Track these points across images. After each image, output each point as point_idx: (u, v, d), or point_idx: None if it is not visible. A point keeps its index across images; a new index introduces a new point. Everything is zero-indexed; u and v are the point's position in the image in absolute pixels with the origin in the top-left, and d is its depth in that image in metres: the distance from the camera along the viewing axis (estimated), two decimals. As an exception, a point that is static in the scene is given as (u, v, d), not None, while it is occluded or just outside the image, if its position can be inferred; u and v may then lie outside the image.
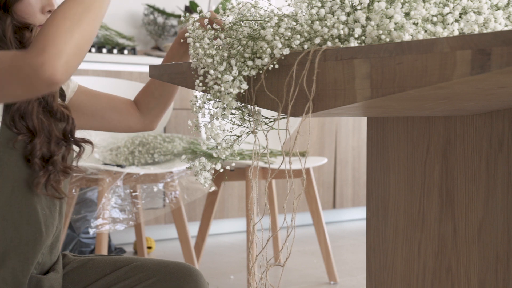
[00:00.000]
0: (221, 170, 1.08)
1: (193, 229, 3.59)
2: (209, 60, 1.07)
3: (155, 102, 1.52)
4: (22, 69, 1.01)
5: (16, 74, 1.02)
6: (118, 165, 2.66)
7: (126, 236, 3.74)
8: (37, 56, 0.99)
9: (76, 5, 1.04)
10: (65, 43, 1.00)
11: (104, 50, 3.71)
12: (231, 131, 1.15)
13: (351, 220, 4.54)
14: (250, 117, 1.13)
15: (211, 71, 1.07)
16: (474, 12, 0.97)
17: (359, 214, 4.55)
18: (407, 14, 0.96)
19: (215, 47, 1.10)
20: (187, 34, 1.16)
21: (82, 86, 1.48)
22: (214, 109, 1.10)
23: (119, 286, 1.36)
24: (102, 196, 2.53)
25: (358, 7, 0.98)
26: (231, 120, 1.13)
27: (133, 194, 2.82)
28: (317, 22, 0.99)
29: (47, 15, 1.26)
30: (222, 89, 1.06)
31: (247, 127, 1.14)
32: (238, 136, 1.16)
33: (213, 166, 1.14)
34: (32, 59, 1.00)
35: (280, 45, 1.00)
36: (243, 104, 1.13)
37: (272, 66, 1.02)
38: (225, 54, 1.06)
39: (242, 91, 1.07)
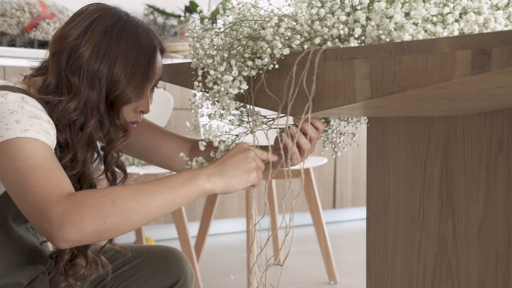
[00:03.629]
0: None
1: (193, 229, 3.58)
2: (209, 61, 1.07)
3: None
4: (42, 214, 0.99)
5: (36, 214, 1.00)
6: (118, 165, 2.66)
7: (126, 236, 3.73)
8: (59, 218, 0.98)
9: (139, 199, 1.01)
10: (91, 226, 0.99)
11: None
12: (229, 132, 1.15)
13: (351, 220, 4.54)
14: (249, 118, 1.13)
15: (211, 72, 1.07)
16: (474, 12, 0.97)
17: (359, 214, 4.55)
18: (407, 14, 0.96)
19: (215, 47, 1.09)
20: (187, 34, 1.16)
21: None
22: (213, 110, 1.10)
23: (104, 270, 1.37)
24: (102, 196, 2.53)
25: (358, 7, 0.97)
26: (230, 121, 1.13)
27: (133, 194, 2.82)
28: (317, 22, 0.99)
29: (138, 114, 1.25)
30: (222, 89, 1.06)
31: (245, 128, 1.14)
32: (237, 136, 1.15)
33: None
34: (53, 217, 0.99)
35: (280, 45, 1.00)
36: (242, 104, 1.12)
37: (272, 66, 1.02)
38: (225, 54, 1.06)
39: (242, 91, 1.06)
